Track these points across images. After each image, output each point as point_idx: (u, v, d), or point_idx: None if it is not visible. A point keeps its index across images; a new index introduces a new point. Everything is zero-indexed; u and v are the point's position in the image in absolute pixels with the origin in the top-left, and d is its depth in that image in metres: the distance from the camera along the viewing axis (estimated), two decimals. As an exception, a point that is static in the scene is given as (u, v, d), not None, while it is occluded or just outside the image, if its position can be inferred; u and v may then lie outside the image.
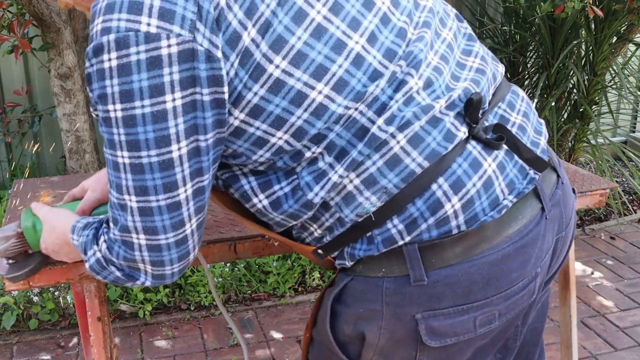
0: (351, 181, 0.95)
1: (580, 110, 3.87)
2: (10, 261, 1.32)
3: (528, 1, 3.94)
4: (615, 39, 3.83)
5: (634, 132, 5.00)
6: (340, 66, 0.92)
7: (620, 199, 4.23)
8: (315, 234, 1.05)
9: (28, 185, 1.87)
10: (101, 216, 1.10)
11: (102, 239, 1.02)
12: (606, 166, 3.70)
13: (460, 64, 1.05)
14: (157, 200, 0.92)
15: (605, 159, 3.81)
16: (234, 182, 1.04)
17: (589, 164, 4.49)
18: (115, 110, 0.87)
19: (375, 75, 0.93)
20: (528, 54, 4.13)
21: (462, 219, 0.96)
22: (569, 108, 3.98)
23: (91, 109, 0.94)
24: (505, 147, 1.00)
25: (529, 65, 4.11)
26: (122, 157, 0.90)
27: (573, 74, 3.86)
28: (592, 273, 3.37)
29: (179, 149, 0.89)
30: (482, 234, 0.96)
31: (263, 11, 0.88)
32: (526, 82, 4.09)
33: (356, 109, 0.93)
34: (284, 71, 0.90)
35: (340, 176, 0.94)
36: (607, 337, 2.80)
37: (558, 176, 1.11)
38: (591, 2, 3.09)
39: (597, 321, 2.93)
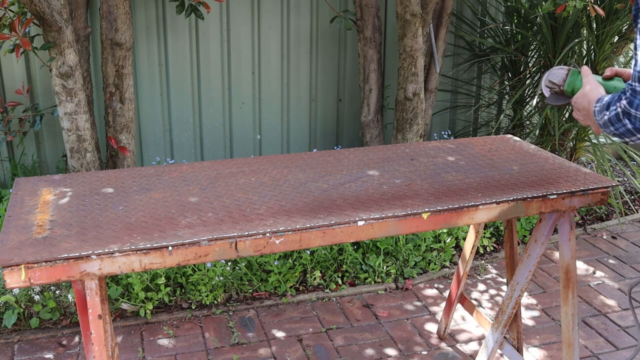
0: None
1: (582, 109, 3.86)
2: (553, 92, 1.81)
3: (529, 0, 3.94)
4: (616, 38, 3.83)
5: (635, 131, 4.99)
6: None
7: (622, 198, 4.22)
8: None
9: (29, 183, 1.87)
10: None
11: (622, 100, 1.39)
12: (607, 165, 3.69)
13: None
14: None
15: (606, 158, 3.80)
16: None
17: (590, 163, 4.48)
18: None
19: None
20: (529, 53, 4.13)
21: None
22: (570, 107, 3.98)
23: None
24: None
25: (530, 65, 4.10)
26: None
27: (574, 73, 3.85)
28: (594, 272, 3.37)
29: None
30: None
31: None
32: (527, 82, 4.09)
33: None
34: None
35: None
36: (609, 337, 2.80)
37: None
38: (592, 1, 3.09)
39: (598, 320, 2.93)
